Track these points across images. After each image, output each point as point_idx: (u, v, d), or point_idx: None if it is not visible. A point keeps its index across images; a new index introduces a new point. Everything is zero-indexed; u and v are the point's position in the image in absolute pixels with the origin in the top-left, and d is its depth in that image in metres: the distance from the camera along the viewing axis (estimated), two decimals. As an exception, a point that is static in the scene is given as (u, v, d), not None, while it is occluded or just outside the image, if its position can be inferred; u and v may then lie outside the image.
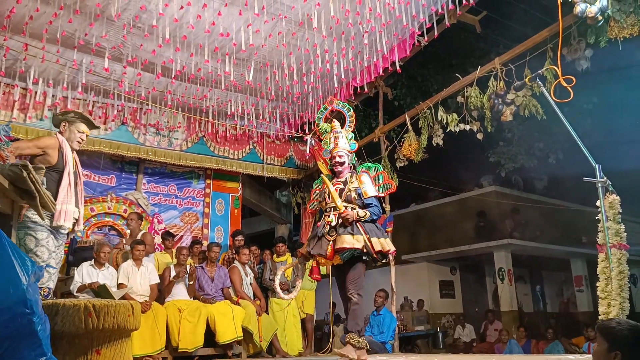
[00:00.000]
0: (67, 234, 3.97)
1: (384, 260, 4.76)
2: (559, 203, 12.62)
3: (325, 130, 4.96)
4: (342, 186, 4.67)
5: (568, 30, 5.40)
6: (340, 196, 4.58)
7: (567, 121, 3.66)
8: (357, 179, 4.65)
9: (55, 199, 3.53)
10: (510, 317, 11.26)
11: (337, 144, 4.79)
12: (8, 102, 6.49)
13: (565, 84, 4.08)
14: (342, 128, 4.93)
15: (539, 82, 4.08)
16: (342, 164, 4.73)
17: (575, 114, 8.47)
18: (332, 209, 4.59)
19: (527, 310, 13.36)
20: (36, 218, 3.45)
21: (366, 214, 4.51)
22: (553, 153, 10.61)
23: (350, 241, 4.41)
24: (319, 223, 4.76)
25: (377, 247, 4.46)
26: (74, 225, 3.81)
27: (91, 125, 4.18)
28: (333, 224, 4.52)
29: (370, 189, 4.61)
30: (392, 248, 4.67)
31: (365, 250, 4.43)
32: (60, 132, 3.97)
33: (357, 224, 4.49)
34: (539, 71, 4.16)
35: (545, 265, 13.99)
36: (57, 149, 3.76)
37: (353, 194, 4.60)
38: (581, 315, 12.52)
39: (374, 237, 4.50)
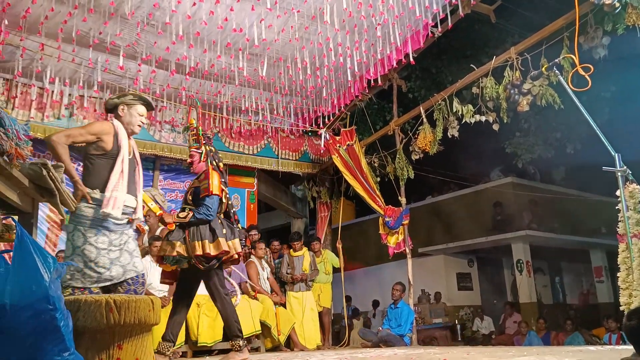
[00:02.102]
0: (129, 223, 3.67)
1: (211, 263, 4.38)
2: (577, 193, 12.48)
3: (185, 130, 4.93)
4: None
5: (585, 18, 5.32)
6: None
7: (585, 110, 3.61)
8: (205, 175, 4.52)
9: (106, 185, 3.36)
10: (529, 309, 11.18)
11: (189, 145, 4.71)
12: (26, 101, 6.58)
13: (582, 73, 4.03)
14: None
15: (556, 71, 4.02)
16: (191, 163, 4.67)
17: (593, 103, 8.35)
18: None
19: (546, 302, 13.24)
20: (87, 211, 3.30)
21: (187, 215, 4.36)
22: (571, 143, 10.46)
23: (164, 248, 4.34)
24: None
25: (197, 251, 4.28)
26: (132, 214, 3.59)
27: (149, 107, 3.87)
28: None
29: (211, 186, 4.40)
30: (225, 249, 4.36)
31: (186, 255, 4.31)
32: (117, 117, 3.68)
33: (183, 228, 4.39)
34: (556, 60, 4.11)
35: (564, 256, 13.85)
36: (112, 134, 3.51)
37: (189, 195, 4.54)
38: (601, 307, 12.39)
39: (196, 241, 4.31)
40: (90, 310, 2.26)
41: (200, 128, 4.77)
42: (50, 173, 2.33)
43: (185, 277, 4.56)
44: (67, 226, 3.34)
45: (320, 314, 7.72)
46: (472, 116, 6.71)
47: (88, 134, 3.44)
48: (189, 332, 6.13)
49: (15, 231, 1.81)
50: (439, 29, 6.74)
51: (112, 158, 3.48)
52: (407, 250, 7.77)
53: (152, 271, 6.29)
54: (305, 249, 7.65)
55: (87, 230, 3.31)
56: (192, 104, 5.35)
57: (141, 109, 3.75)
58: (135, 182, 3.64)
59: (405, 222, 7.76)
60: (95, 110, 7.08)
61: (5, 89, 6.46)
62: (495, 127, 6.73)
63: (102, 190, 3.38)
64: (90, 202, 3.33)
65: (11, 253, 1.82)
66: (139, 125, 3.74)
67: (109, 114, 3.91)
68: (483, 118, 6.68)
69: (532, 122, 10.66)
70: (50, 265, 1.82)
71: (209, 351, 6.25)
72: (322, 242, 8.51)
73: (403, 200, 7.88)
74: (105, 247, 3.37)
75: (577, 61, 4.62)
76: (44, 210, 6.98)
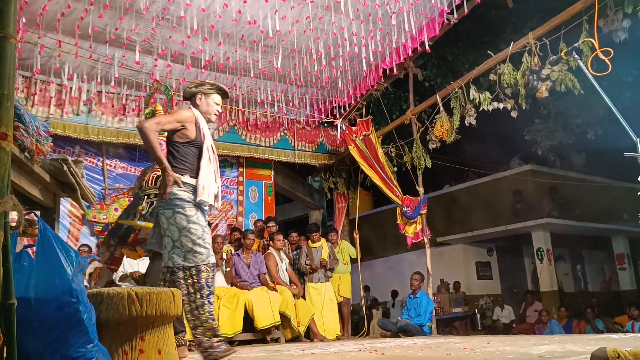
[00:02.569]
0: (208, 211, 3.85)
1: None
2: (598, 180, 12.29)
3: (150, 115, 4.79)
4: None
5: (604, 1, 5.21)
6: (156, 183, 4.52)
7: (605, 95, 3.54)
8: None
9: (197, 173, 3.49)
10: (550, 297, 11.07)
11: None
12: (45, 98, 6.67)
13: (602, 57, 3.94)
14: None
15: (576, 56, 3.94)
16: None
17: (614, 87, 8.19)
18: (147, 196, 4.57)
19: (567, 290, 13.10)
20: (182, 194, 3.43)
21: None
22: (592, 128, 10.29)
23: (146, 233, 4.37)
24: None
25: None
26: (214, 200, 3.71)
27: (225, 95, 3.91)
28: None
29: None
30: None
31: None
32: (194, 105, 3.76)
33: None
34: (575, 44, 4.03)
35: (586, 243, 13.67)
36: (193, 122, 3.61)
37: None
38: (624, 294, 12.23)
39: None
40: (112, 302, 2.28)
41: None
42: (71, 168, 2.36)
43: (157, 263, 4.52)
44: (165, 212, 3.45)
45: (340, 304, 7.75)
46: (490, 103, 6.62)
47: (175, 122, 3.53)
48: (210, 323, 6.19)
49: (37, 226, 1.84)
50: (455, 15, 6.66)
51: (196, 146, 3.58)
52: (426, 240, 7.73)
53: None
54: (323, 240, 7.67)
55: (187, 210, 3.43)
56: (157, 86, 5.14)
57: (217, 97, 3.81)
58: (215, 170, 3.73)
59: (423, 211, 7.72)
60: (113, 106, 7.16)
61: (25, 87, 6.55)
62: (514, 114, 6.63)
63: (192, 176, 3.51)
64: (182, 186, 3.44)
65: (34, 248, 1.85)
66: (215, 114, 3.82)
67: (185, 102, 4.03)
68: (501, 105, 6.60)
69: (552, 108, 10.50)
70: (72, 259, 1.85)
71: (230, 342, 6.31)
72: (339, 232, 8.50)
73: (421, 189, 7.84)
74: (205, 224, 3.53)
75: (596, 45, 4.51)
76: (66, 206, 7.09)
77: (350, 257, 8.06)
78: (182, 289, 3.37)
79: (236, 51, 6.26)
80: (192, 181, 3.50)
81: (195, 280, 3.45)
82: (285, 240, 7.68)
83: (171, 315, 2.54)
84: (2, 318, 1.38)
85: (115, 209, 7.51)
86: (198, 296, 3.44)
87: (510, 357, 3.30)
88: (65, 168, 2.28)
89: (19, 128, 1.95)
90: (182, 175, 3.46)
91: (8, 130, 1.41)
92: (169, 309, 2.50)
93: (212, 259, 3.52)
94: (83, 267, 1.98)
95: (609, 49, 4.02)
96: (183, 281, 3.44)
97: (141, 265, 6.15)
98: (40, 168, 2.21)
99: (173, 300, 2.54)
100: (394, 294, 12.46)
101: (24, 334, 1.67)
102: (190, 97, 3.82)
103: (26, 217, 2.61)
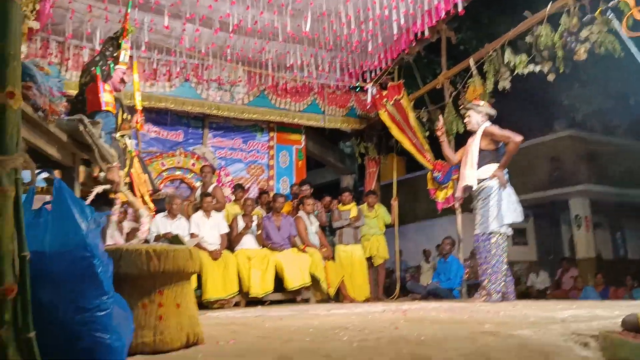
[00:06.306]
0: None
1: None
2: (640, 146, 11.84)
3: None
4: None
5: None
6: None
7: (640, 54, 3.37)
8: None
9: None
10: (587, 264, 10.89)
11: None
12: (78, 63, 6.79)
13: (638, 17, 3.74)
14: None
15: (610, 16, 3.75)
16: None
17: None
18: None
19: (606, 257, 12.82)
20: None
21: None
22: (634, 93, 9.86)
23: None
24: None
25: None
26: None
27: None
28: None
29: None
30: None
31: None
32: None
33: None
34: (610, 3, 3.83)
35: (626, 210, 13.28)
36: None
37: None
38: (666, 262, 11.91)
39: None
40: (131, 258, 2.38)
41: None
42: (87, 128, 2.42)
43: None
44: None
45: (378, 267, 7.81)
46: (526, 67, 6.39)
47: None
48: (242, 283, 6.37)
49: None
50: (490, -26, 6.39)
51: None
52: (457, 205, 7.64)
53: (204, 226, 6.54)
54: (353, 203, 7.69)
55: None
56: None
57: None
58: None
59: (455, 176, 7.60)
60: (144, 70, 7.25)
61: (59, 52, 6.69)
62: (551, 77, 6.37)
63: None
64: None
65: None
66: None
67: None
68: (537, 68, 6.34)
69: (591, 72, 10.08)
70: (87, 215, 1.92)
71: (260, 301, 6.47)
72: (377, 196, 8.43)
73: (455, 155, 7.70)
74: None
75: (632, 3, 4.26)
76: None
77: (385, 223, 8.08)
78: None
79: (262, 14, 6.20)
80: None
81: None
82: (318, 203, 7.73)
83: (189, 272, 2.63)
84: (14, 270, 1.45)
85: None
86: None
87: (532, 320, 3.27)
88: (81, 128, 2.35)
89: (32, 88, 2.01)
90: None
91: (15, 89, 1.45)
92: (186, 266, 2.59)
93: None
94: (99, 224, 2.05)
95: (647, 6, 3.81)
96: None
97: (173, 226, 6.33)
98: (57, 128, 2.28)
99: (190, 257, 2.62)
100: (427, 253, 12.37)
101: (40, 286, 1.75)
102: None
103: (48, 176, 2.71)
